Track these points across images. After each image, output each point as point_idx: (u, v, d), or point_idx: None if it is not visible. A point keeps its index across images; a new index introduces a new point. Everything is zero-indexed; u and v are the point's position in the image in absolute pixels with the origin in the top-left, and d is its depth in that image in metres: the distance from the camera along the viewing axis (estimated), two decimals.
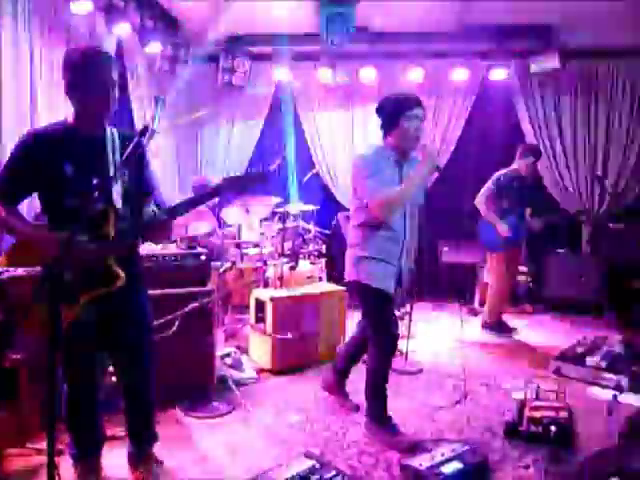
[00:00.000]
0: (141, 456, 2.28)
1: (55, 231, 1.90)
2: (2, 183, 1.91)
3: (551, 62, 5.30)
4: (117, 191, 1.92)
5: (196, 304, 2.81)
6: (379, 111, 2.67)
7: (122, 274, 1.96)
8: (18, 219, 1.94)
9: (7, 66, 3.78)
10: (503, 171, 4.45)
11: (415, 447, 2.57)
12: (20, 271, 2.14)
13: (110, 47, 4.65)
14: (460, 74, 5.58)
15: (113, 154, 1.95)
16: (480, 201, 4.42)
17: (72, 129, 1.94)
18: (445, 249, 5.87)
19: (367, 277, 2.64)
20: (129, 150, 1.82)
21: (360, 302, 2.80)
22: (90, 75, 1.88)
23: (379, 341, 2.72)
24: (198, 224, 4.11)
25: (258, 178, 2.01)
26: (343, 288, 4.00)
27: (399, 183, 2.59)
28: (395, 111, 2.56)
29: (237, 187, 1.99)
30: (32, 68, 3.96)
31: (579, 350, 3.80)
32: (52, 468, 1.59)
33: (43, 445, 1.92)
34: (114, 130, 2.01)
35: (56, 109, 3.81)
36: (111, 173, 1.92)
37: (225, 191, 1.97)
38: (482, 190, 4.45)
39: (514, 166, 4.48)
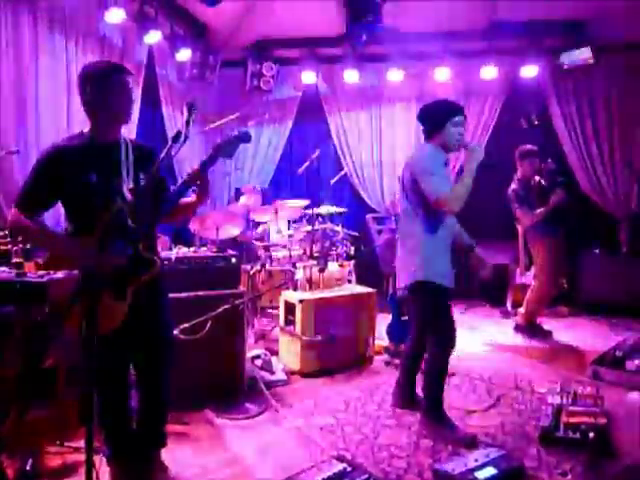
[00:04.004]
0: (144, 458, 2.23)
1: (81, 234, 1.96)
2: (26, 194, 1.98)
3: (584, 57, 5.16)
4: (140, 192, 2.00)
5: (227, 306, 2.84)
6: (425, 114, 2.80)
7: (156, 259, 2.02)
8: (42, 228, 2.01)
9: (45, 75, 3.93)
10: (513, 186, 4.42)
11: (475, 442, 2.60)
12: (60, 274, 2.22)
13: (142, 55, 4.79)
14: (489, 72, 5.48)
15: (127, 159, 2.04)
16: (531, 218, 4.35)
17: (90, 139, 2.03)
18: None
19: (435, 275, 2.67)
20: (163, 154, 1.88)
21: (423, 303, 2.77)
22: (106, 92, 1.96)
23: (442, 340, 2.73)
24: (229, 226, 4.17)
25: (243, 137, 2.14)
26: (372, 290, 3.98)
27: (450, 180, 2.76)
28: (443, 115, 2.70)
29: (227, 150, 2.11)
30: (69, 77, 4.10)
31: (618, 353, 3.67)
32: (90, 466, 1.64)
33: (81, 443, 1.97)
34: (127, 139, 2.11)
35: None
36: (125, 176, 2.01)
37: (218, 157, 2.08)
38: (524, 212, 4.35)
39: (519, 174, 4.45)
